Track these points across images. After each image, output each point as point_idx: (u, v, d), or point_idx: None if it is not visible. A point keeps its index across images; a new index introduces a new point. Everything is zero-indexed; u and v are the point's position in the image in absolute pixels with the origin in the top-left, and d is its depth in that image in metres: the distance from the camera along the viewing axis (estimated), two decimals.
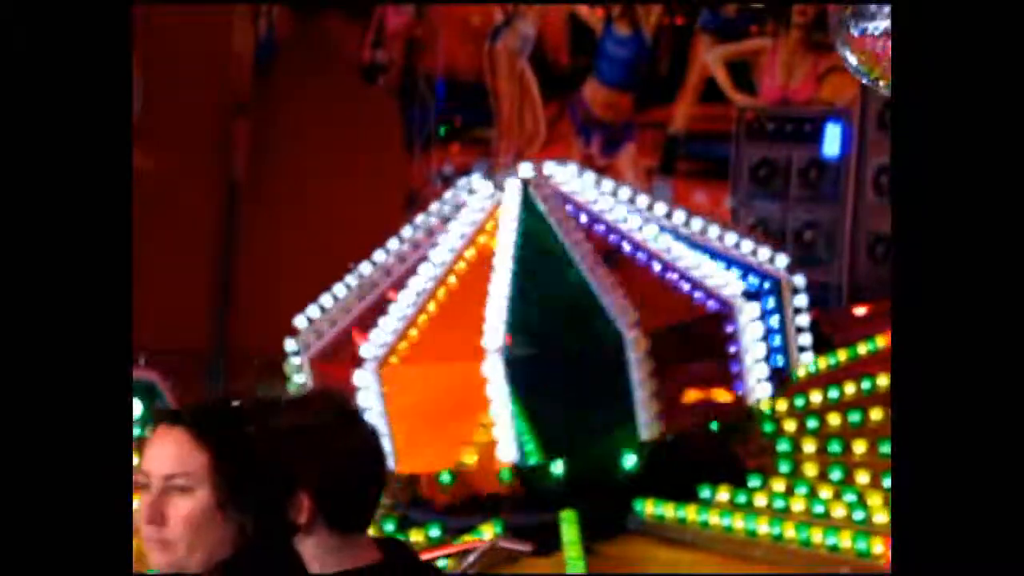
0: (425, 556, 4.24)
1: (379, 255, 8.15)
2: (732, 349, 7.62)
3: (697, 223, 8.15)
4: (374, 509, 3.20)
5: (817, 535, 6.92)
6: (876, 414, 7.81)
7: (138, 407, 8.14)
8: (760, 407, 7.86)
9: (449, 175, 12.98)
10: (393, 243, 8.26)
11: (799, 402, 8.13)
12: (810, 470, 7.51)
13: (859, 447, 7.63)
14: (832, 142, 12.21)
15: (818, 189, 12.36)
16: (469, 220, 7.97)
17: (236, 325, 12.98)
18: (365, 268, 8.13)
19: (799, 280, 8.09)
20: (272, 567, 2.95)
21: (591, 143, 13.06)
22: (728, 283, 7.64)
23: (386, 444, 7.19)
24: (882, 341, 8.55)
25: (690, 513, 7.24)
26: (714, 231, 8.13)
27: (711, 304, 7.60)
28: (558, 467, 7.32)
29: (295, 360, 7.90)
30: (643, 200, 8.26)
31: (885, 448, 7.46)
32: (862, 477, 7.38)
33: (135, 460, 3.14)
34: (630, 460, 7.39)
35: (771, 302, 8.06)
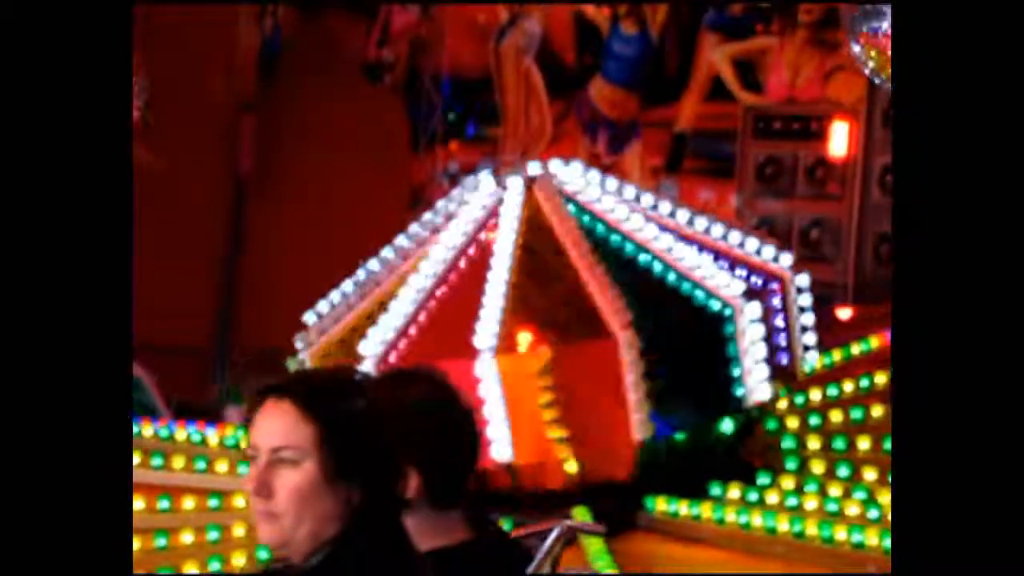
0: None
1: (387, 252, 8.14)
2: (732, 350, 7.61)
3: (701, 222, 8.14)
4: (468, 487, 3.23)
5: (841, 532, 6.86)
6: (877, 411, 7.81)
7: None
8: (765, 405, 7.86)
9: (454, 173, 12.99)
10: (401, 240, 8.25)
11: (799, 400, 8.13)
12: (817, 467, 7.50)
13: (863, 443, 7.62)
14: (839, 141, 12.22)
15: (824, 188, 12.36)
16: (471, 217, 7.96)
17: (240, 322, 12.99)
18: (373, 265, 8.12)
19: (803, 279, 8.08)
20: (384, 544, 2.94)
21: (597, 141, 13.06)
22: (729, 283, 7.63)
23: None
24: (876, 341, 8.55)
25: (705, 510, 7.21)
26: (718, 230, 8.12)
27: (712, 304, 7.60)
28: (570, 466, 7.31)
29: (302, 356, 7.88)
30: (647, 199, 8.25)
31: (889, 444, 7.47)
32: (869, 474, 7.36)
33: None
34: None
35: (776, 301, 8.05)
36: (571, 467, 7.32)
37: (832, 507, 7.14)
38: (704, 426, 7.57)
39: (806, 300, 8.14)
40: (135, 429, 7.73)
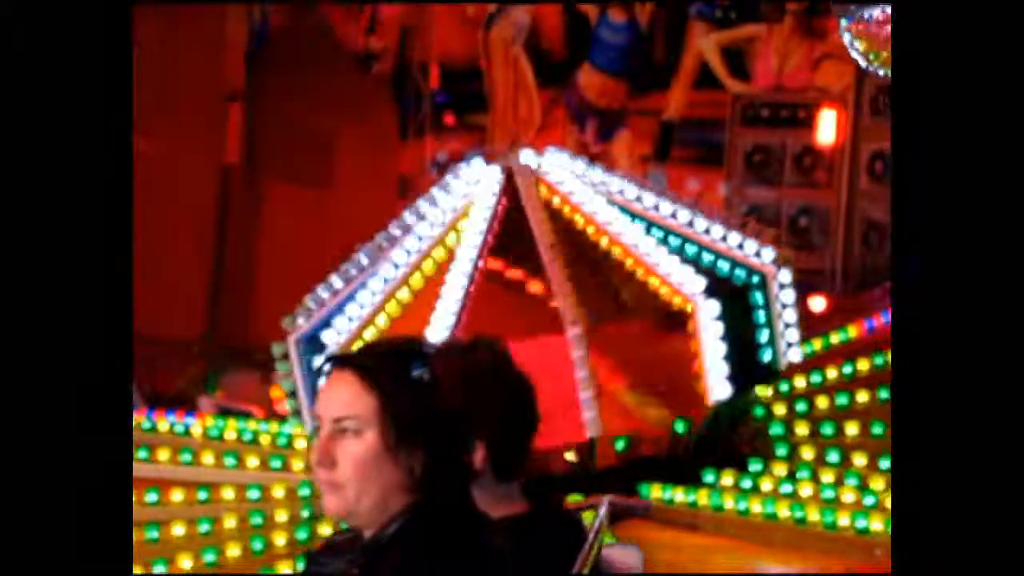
0: None
1: (393, 247, 8.11)
2: (693, 347, 7.59)
3: (684, 215, 8.10)
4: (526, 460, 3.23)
5: (844, 518, 6.84)
6: (863, 396, 7.82)
7: None
8: (755, 393, 7.87)
9: (443, 162, 12.97)
10: (393, 229, 8.22)
11: (784, 387, 8.13)
12: (807, 453, 7.50)
13: (851, 428, 7.63)
14: (827, 128, 12.23)
15: (812, 175, 12.38)
16: (449, 207, 7.96)
17: (226, 312, 12.97)
18: (363, 254, 8.10)
19: (785, 275, 8.05)
20: (457, 514, 2.95)
21: (586, 130, 13.05)
22: (687, 281, 7.61)
23: None
24: (854, 331, 8.55)
25: (702, 497, 7.20)
26: (701, 223, 8.09)
27: (674, 301, 7.59)
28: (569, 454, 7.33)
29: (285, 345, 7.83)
30: (631, 191, 8.21)
31: (877, 430, 7.47)
32: (859, 459, 7.37)
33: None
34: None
35: (758, 297, 8.04)
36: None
37: (828, 494, 7.13)
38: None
39: (789, 296, 8.11)
40: None
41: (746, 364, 7.71)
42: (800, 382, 8.13)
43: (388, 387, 2.94)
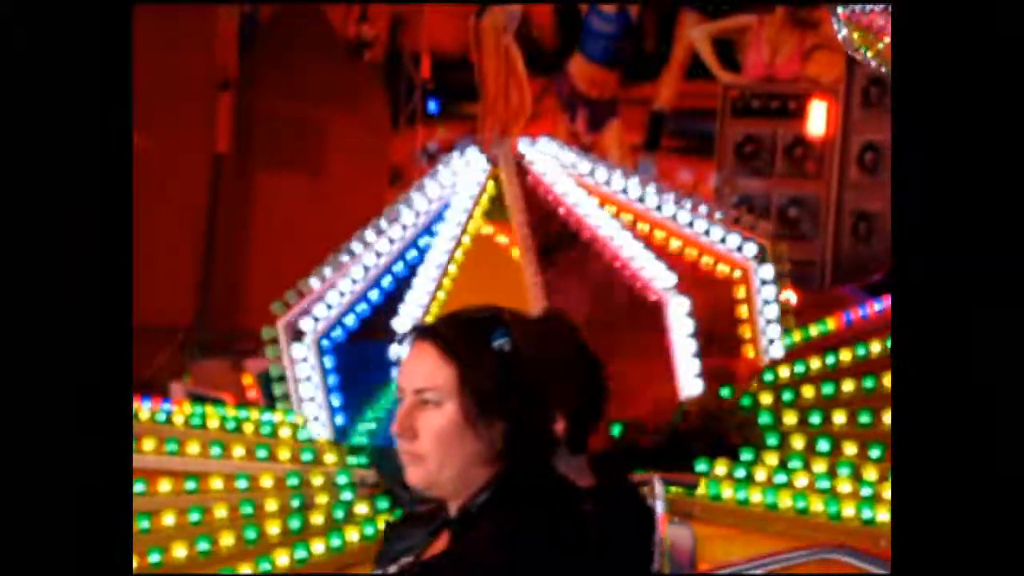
0: None
1: (374, 235, 8.11)
2: (665, 343, 7.59)
3: (669, 208, 8.10)
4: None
5: (849, 508, 6.83)
6: (848, 385, 7.82)
7: None
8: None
9: (434, 152, 12.97)
10: (382, 217, 8.23)
11: (768, 377, 8.14)
12: (798, 442, 7.50)
13: (839, 417, 7.63)
14: (817, 119, 12.25)
15: (802, 166, 12.40)
16: (436, 196, 7.98)
17: (216, 301, 12.97)
18: (354, 242, 8.10)
19: (767, 271, 8.05)
20: (544, 485, 2.95)
21: (576, 119, 13.05)
22: (659, 276, 7.61)
23: None
24: (832, 323, 8.56)
25: (699, 486, 7.20)
26: (684, 217, 8.08)
27: (649, 297, 7.59)
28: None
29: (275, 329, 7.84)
30: (618, 182, 8.21)
31: (864, 418, 7.48)
32: (849, 448, 7.37)
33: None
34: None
35: (740, 292, 8.06)
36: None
37: (824, 483, 7.13)
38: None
39: (770, 292, 8.11)
40: None
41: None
42: (784, 372, 8.13)
43: (467, 358, 2.95)
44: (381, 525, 6.91)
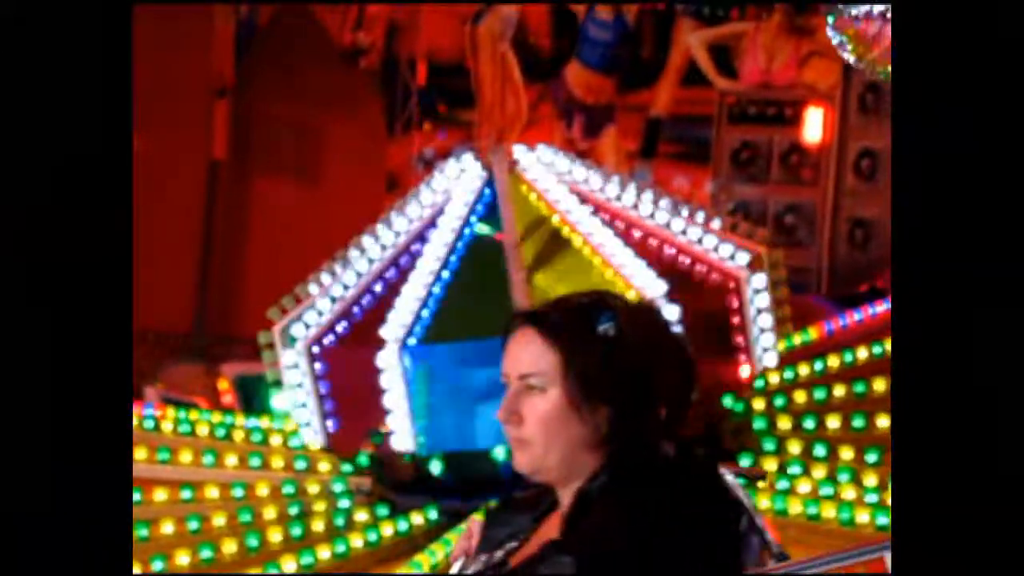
0: None
1: (367, 240, 8.11)
2: None
3: (662, 216, 8.09)
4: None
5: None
6: (839, 390, 7.83)
7: None
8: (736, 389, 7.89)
9: (429, 158, 12.97)
10: (380, 228, 8.23)
11: (759, 383, 8.14)
12: (794, 447, 7.50)
13: (833, 422, 7.63)
14: (814, 126, 12.26)
15: (799, 173, 12.40)
16: (464, 201, 7.98)
17: (215, 305, 12.96)
18: (354, 253, 8.11)
19: (759, 279, 8.04)
20: (660, 469, 2.96)
21: (573, 126, 13.06)
22: (649, 284, 7.61)
23: (408, 426, 7.25)
24: (814, 333, 8.57)
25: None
26: (678, 225, 8.08)
27: None
28: None
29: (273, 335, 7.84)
30: (612, 189, 8.21)
31: (858, 422, 7.48)
32: (846, 453, 7.37)
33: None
34: None
35: (733, 302, 8.06)
36: None
37: (827, 490, 7.11)
38: None
39: (763, 301, 8.10)
40: None
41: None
42: (774, 378, 8.14)
43: (571, 343, 2.96)
44: (384, 531, 6.93)
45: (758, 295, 8.03)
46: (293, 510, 7.14)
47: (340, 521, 7.05)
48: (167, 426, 7.79)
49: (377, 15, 13.51)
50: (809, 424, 7.62)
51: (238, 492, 7.23)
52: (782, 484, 7.20)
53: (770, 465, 7.39)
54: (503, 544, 3.15)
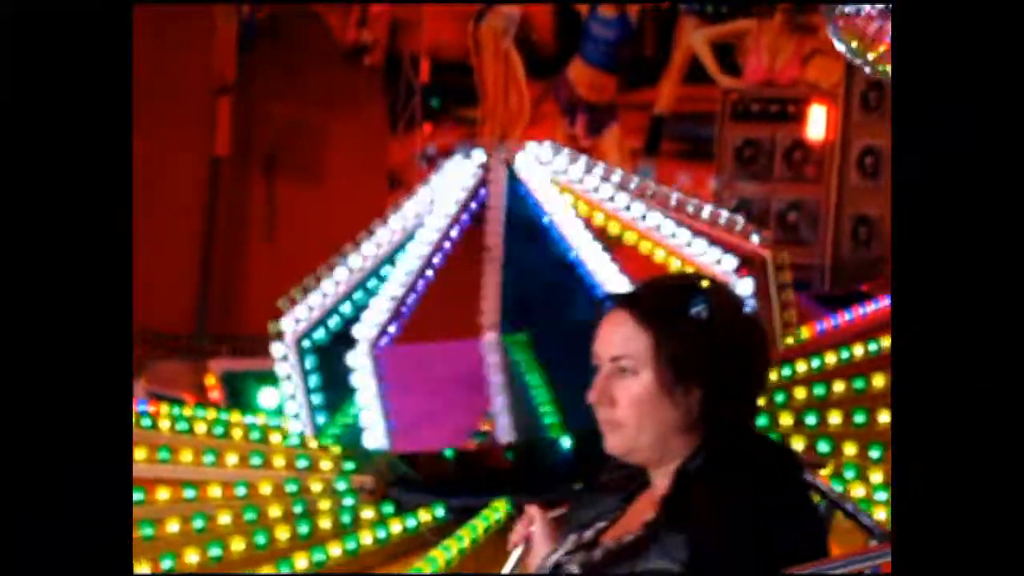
0: None
1: (369, 238, 8.11)
2: None
3: (655, 217, 8.05)
4: None
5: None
6: (839, 386, 7.82)
7: None
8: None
9: (432, 155, 12.96)
10: (379, 222, 8.22)
11: None
12: (797, 444, 7.49)
13: (834, 418, 7.62)
14: (817, 123, 12.25)
15: (802, 170, 12.40)
16: (453, 199, 7.96)
17: (217, 304, 12.96)
18: (358, 250, 8.10)
19: (746, 285, 7.99)
20: (756, 450, 2.98)
21: (576, 124, 13.05)
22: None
23: (383, 424, 7.23)
24: (806, 332, 8.57)
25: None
26: (668, 227, 8.03)
27: (596, 294, 7.56)
28: (567, 442, 7.29)
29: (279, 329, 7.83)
30: (607, 190, 8.17)
31: (859, 418, 7.47)
32: (849, 449, 7.36)
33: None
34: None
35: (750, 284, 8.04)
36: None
37: (837, 487, 7.09)
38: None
39: (750, 306, 8.06)
40: None
41: None
42: (772, 375, 8.13)
43: (662, 326, 2.98)
44: (393, 528, 6.94)
45: (781, 271, 8.04)
46: (298, 508, 7.15)
47: (347, 519, 7.06)
48: (164, 424, 7.79)
49: (380, 13, 13.50)
50: (811, 420, 7.62)
51: (241, 491, 7.23)
52: None
53: None
54: (591, 524, 3.17)
